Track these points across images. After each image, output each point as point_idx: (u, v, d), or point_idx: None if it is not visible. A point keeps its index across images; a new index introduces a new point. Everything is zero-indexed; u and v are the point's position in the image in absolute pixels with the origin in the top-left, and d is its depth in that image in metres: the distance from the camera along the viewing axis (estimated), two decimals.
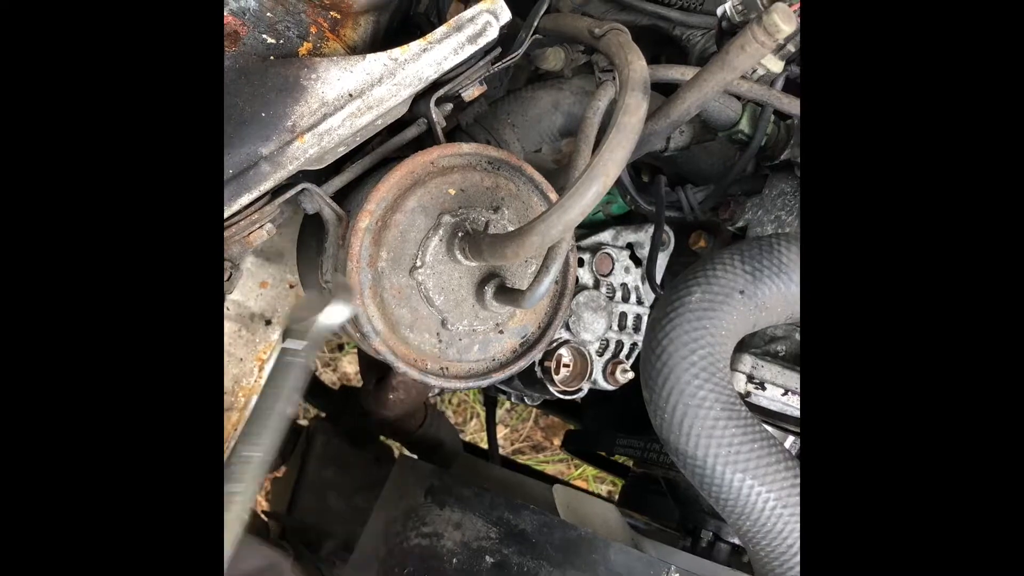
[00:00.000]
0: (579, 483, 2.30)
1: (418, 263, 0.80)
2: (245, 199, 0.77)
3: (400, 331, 0.81)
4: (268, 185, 0.77)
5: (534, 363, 0.95)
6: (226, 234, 0.81)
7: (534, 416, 2.42)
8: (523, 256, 0.76)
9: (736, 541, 1.11)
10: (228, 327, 1.16)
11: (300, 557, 1.28)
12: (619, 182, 1.07)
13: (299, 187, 0.81)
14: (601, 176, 0.66)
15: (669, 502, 1.21)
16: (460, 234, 0.79)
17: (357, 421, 1.66)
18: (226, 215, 0.77)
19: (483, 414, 2.38)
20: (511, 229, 0.82)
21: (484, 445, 2.32)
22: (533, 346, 0.87)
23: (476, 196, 0.82)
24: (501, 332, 0.85)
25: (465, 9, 1.02)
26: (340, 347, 2.28)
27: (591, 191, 0.66)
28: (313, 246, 0.90)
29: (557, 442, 2.41)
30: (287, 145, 0.77)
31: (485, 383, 0.85)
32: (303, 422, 1.73)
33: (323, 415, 1.77)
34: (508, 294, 0.79)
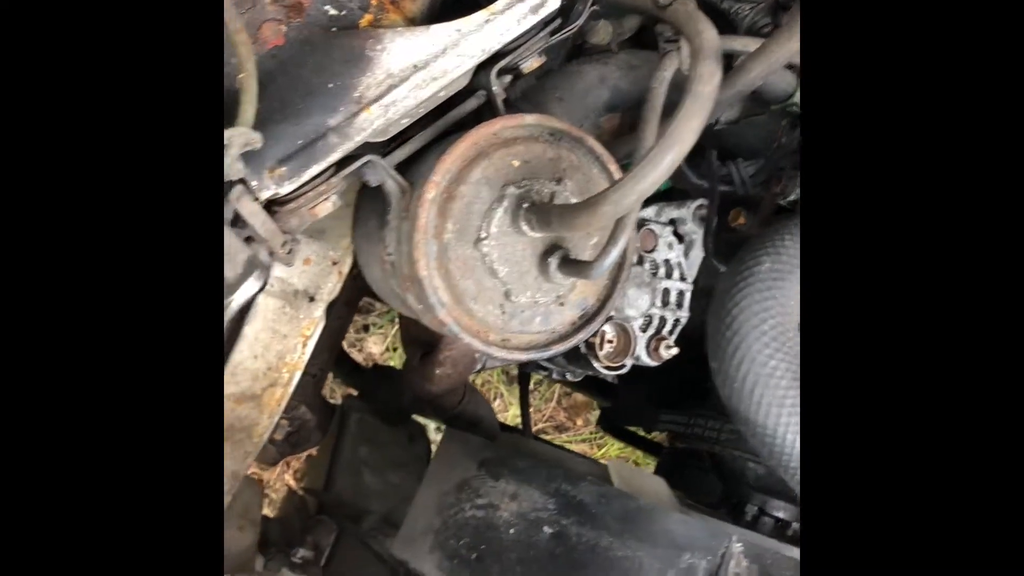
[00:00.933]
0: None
1: (483, 234, 0.80)
2: (313, 170, 0.77)
3: (465, 303, 0.81)
4: (336, 156, 0.77)
5: None
6: (292, 206, 0.81)
7: (557, 396, 2.42)
8: (595, 226, 0.77)
9: (781, 515, 1.12)
10: (272, 304, 1.16)
11: (344, 531, 1.29)
12: None
13: (365, 159, 0.81)
14: (676, 144, 0.66)
15: (707, 477, 1.22)
16: (525, 205, 0.79)
17: (390, 399, 1.66)
18: (294, 187, 0.78)
19: (507, 393, 2.39)
20: (574, 201, 0.82)
21: (511, 423, 2.33)
22: (592, 319, 0.87)
23: (539, 167, 0.82)
24: (562, 304, 0.85)
25: None
26: (366, 328, 2.29)
27: (666, 160, 0.66)
28: (372, 220, 0.90)
29: (580, 422, 2.42)
30: (354, 116, 0.77)
31: (546, 355, 0.86)
32: (335, 401, 1.73)
33: (355, 393, 1.78)
34: (573, 266, 0.79)
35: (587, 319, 0.87)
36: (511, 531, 0.91)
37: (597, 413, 2.41)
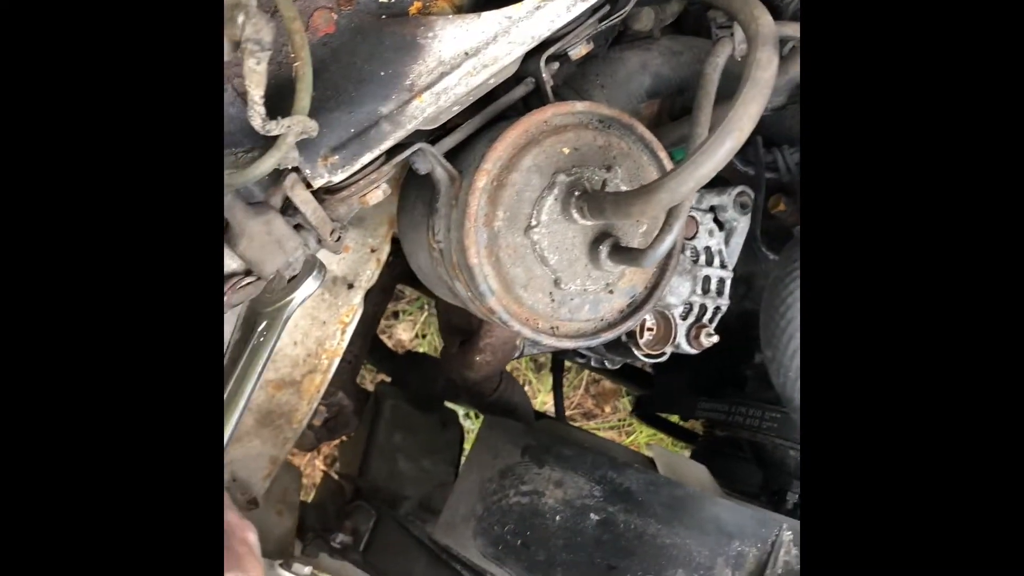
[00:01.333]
0: None
1: (533, 222, 0.80)
2: (365, 158, 0.77)
3: (514, 290, 0.81)
4: (388, 144, 0.77)
5: None
6: (343, 194, 0.81)
7: (584, 384, 2.43)
8: (650, 214, 0.77)
9: None
10: None
11: (383, 516, 1.30)
12: None
13: (415, 147, 0.81)
14: (736, 131, 0.66)
15: (746, 466, 1.22)
16: (576, 193, 0.79)
17: (423, 386, 1.67)
18: (346, 175, 0.78)
19: (535, 381, 2.40)
20: (624, 188, 0.82)
21: (540, 410, 2.34)
22: (640, 307, 0.87)
23: (589, 155, 0.82)
24: (611, 292, 0.85)
25: None
26: (395, 314, 2.29)
27: (725, 147, 0.66)
28: (419, 208, 0.90)
29: (608, 409, 2.43)
30: (406, 104, 0.77)
31: (594, 342, 0.86)
32: (369, 386, 1.75)
33: (387, 379, 1.79)
34: (625, 253, 0.79)
35: (635, 307, 0.87)
36: (557, 518, 0.91)
37: (625, 400, 2.41)
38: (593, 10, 0.84)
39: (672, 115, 1.25)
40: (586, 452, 0.94)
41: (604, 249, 0.80)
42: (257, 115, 0.61)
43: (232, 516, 0.77)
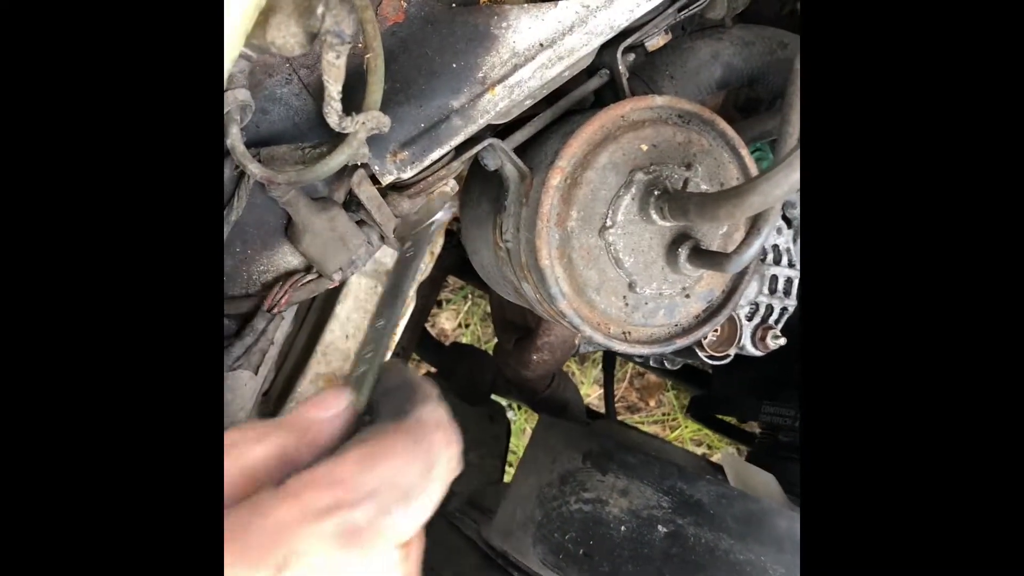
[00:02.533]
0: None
1: (608, 223, 0.76)
2: (436, 154, 0.74)
3: (586, 293, 0.77)
4: (459, 139, 0.74)
5: None
6: (411, 191, 0.78)
7: (628, 377, 2.39)
8: (740, 217, 0.72)
9: None
10: (364, 283, 1.14)
11: None
12: None
13: (485, 142, 0.77)
14: None
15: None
16: (656, 192, 0.75)
17: (470, 378, 1.65)
18: (415, 172, 0.74)
19: (578, 373, 2.36)
20: (704, 188, 0.78)
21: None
22: (717, 311, 0.83)
23: (668, 152, 0.77)
24: (687, 296, 0.81)
25: None
26: (439, 303, 2.27)
27: None
28: (484, 204, 0.87)
29: (652, 403, 2.38)
30: (478, 98, 0.74)
31: (668, 349, 0.82)
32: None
33: (433, 370, 1.77)
34: (706, 257, 0.74)
35: (712, 312, 0.83)
36: (622, 528, 0.88)
37: (670, 395, 2.37)
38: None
39: (737, 105, 1.20)
40: (652, 460, 0.90)
41: (683, 252, 0.76)
42: (334, 112, 0.58)
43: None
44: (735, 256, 0.70)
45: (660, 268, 0.78)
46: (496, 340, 1.37)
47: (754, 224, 0.70)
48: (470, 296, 2.27)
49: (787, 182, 0.63)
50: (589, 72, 0.85)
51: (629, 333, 0.80)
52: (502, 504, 1.09)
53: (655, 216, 0.75)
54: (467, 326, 2.32)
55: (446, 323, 2.28)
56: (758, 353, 1.11)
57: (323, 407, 0.50)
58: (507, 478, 1.72)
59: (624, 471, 0.91)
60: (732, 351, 1.09)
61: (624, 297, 0.78)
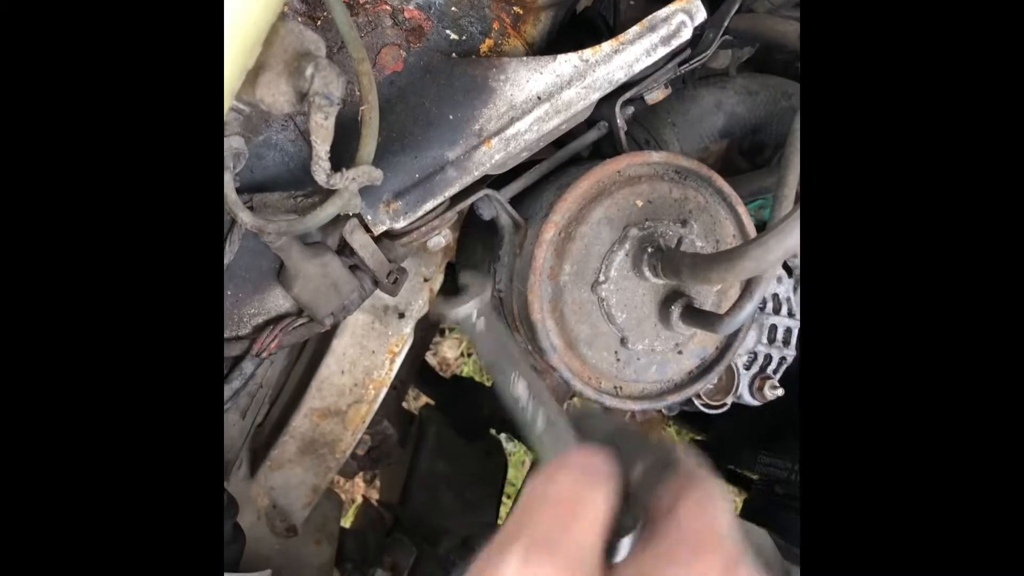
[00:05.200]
0: None
1: (601, 278, 0.75)
2: (429, 204, 0.74)
3: (578, 348, 0.77)
4: (453, 191, 0.74)
5: None
6: (404, 240, 0.78)
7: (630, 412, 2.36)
8: (731, 281, 0.72)
9: None
10: (362, 319, 1.14)
11: (424, 553, 1.27)
12: None
13: (480, 193, 0.77)
14: None
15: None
16: (650, 249, 0.74)
17: (469, 412, 1.64)
18: (409, 221, 0.74)
19: (580, 405, 2.35)
20: (699, 244, 0.77)
21: None
22: (710, 368, 0.82)
23: (664, 208, 0.77)
24: (680, 353, 0.80)
25: (638, 6, 0.96)
26: (441, 332, 2.26)
27: None
28: (479, 250, 0.87)
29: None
30: (474, 150, 0.74)
31: (659, 405, 0.81)
32: (411, 403, 1.72)
33: (432, 403, 1.76)
34: (699, 317, 0.74)
35: (705, 369, 0.82)
36: None
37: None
38: (673, 54, 0.80)
39: (741, 150, 1.20)
40: None
41: (676, 310, 0.75)
42: (322, 170, 0.58)
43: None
44: (727, 318, 0.69)
45: (653, 324, 0.77)
46: None
47: (747, 287, 0.69)
48: None
49: (781, 248, 0.62)
50: (588, 124, 0.84)
51: (620, 388, 0.80)
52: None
53: (648, 273, 0.74)
54: (469, 355, 2.31)
55: (448, 352, 2.27)
56: (755, 403, 1.09)
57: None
58: (504, 509, 1.71)
59: None
60: (729, 400, 1.07)
61: (616, 352, 0.78)
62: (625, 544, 0.38)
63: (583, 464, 0.39)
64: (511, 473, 1.93)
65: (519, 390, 0.48)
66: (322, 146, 0.56)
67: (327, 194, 0.68)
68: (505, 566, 0.37)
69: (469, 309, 0.52)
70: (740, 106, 1.03)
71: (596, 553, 0.37)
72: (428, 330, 1.65)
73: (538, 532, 0.38)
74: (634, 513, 0.39)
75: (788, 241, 0.62)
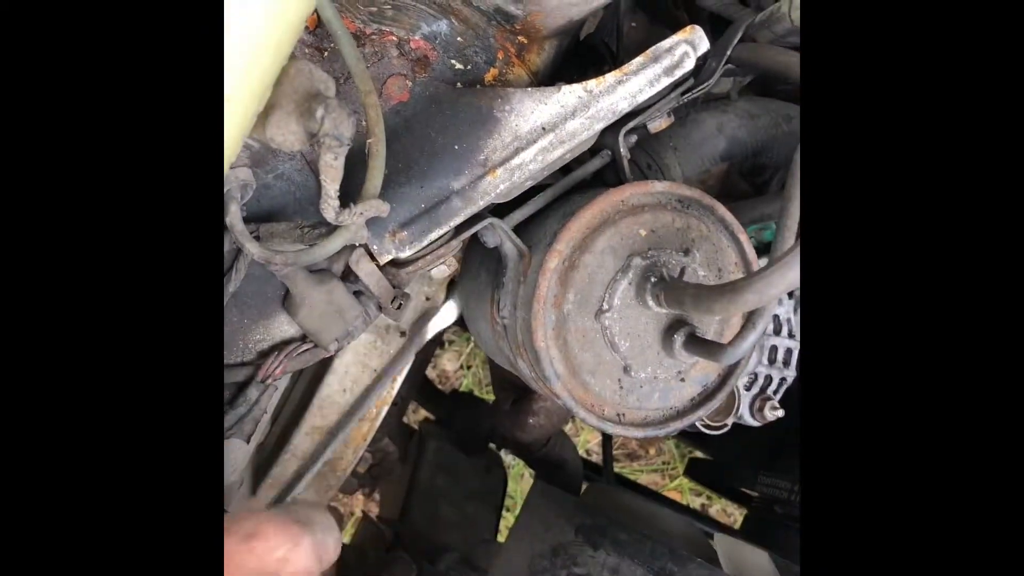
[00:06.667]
0: (673, 494, 2.25)
1: (604, 306, 0.76)
2: (434, 234, 0.74)
3: (581, 375, 0.77)
4: (457, 220, 0.74)
5: None
6: (409, 269, 0.78)
7: None
8: (735, 313, 0.72)
9: None
10: (363, 338, 1.15)
11: (423, 571, 1.27)
12: None
13: (484, 222, 0.78)
14: None
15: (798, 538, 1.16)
16: (653, 279, 0.75)
17: (469, 427, 1.64)
18: (415, 250, 0.75)
19: (578, 422, 2.35)
20: (702, 273, 0.78)
21: (581, 448, 2.29)
22: (712, 395, 0.82)
23: (666, 237, 0.78)
24: (682, 380, 0.80)
25: (640, 32, 0.97)
26: (441, 344, 2.27)
27: None
28: (483, 276, 0.87)
29: (653, 451, 2.37)
30: (479, 180, 0.74)
31: (662, 432, 0.82)
32: (414, 425, 1.72)
33: (432, 418, 1.76)
34: (702, 346, 0.74)
35: (707, 396, 0.83)
36: None
37: (670, 443, 2.35)
38: (676, 84, 0.80)
39: (742, 172, 1.21)
40: (644, 539, 0.89)
41: (679, 339, 0.75)
42: (331, 208, 0.59)
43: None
44: (730, 349, 0.70)
45: (655, 353, 0.78)
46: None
47: (750, 318, 0.70)
48: (472, 339, 2.27)
49: (783, 282, 0.63)
50: (591, 152, 0.85)
51: (623, 415, 0.80)
52: (492, 569, 1.08)
53: (651, 303, 0.75)
54: (469, 367, 2.31)
55: (448, 364, 2.27)
56: (756, 423, 1.10)
57: None
58: (504, 523, 1.71)
59: (616, 548, 0.91)
60: (730, 421, 1.08)
61: (619, 380, 0.78)
62: None
63: None
64: (511, 487, 1.94)
65: None
66: (331, 185, 0.57)
67: (333, 227, 0.69)
68: None
69: None
70: (741, 130, 1.04)
71: None
72: (429, 348, 1.65)
73: None
74: None
75: (790, 275, 0.62)
